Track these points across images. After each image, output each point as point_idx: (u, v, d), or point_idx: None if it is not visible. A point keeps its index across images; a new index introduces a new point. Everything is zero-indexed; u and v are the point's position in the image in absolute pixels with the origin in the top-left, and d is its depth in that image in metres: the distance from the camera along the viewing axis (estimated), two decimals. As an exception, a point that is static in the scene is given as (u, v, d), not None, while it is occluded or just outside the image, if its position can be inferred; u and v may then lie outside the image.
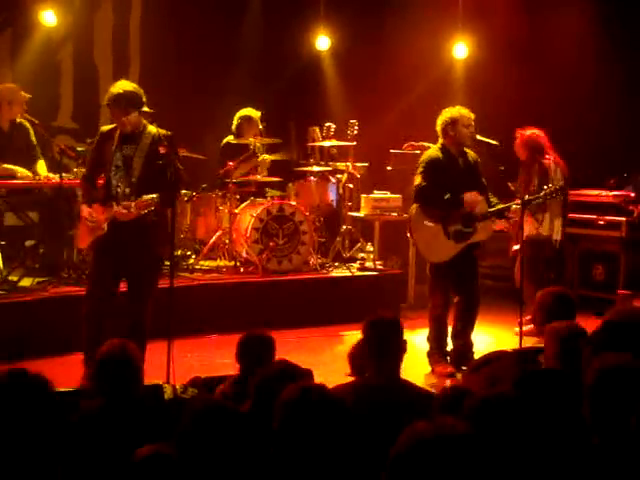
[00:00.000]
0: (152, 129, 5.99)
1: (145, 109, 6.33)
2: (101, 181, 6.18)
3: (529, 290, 7.78)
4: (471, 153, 6.83)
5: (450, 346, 6.84)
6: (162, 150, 6.35)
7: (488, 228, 6.82)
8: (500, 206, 6.78)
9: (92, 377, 3.85)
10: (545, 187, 6.92)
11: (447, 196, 6.52)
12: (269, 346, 4.35)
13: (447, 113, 6.70)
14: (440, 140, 6.75)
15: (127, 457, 2.80)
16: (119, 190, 5.92)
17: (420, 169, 6.64)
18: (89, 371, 5.82)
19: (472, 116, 6.71)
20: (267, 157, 9.12)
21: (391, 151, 10.18)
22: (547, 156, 7.90)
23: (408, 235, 6.98)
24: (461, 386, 3.97)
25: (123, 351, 3.77)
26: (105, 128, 6.13)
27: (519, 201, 6.68)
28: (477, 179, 6.80)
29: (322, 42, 10.24)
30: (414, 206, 6.79)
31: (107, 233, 5.92)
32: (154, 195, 5.80)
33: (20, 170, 7.47)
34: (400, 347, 4.00)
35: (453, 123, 6.65)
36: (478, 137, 6.82)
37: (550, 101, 9.78)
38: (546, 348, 4.15)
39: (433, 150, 6.78)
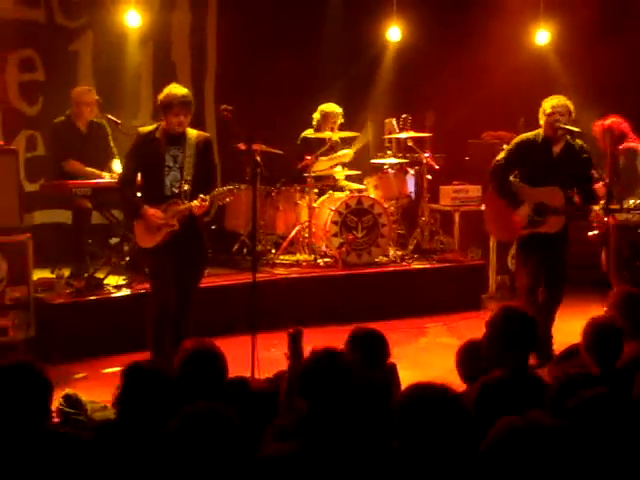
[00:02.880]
0: (193, 132, 6.14)
1: (224, 106, 6.46)
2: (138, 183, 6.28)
3: (617, 279, 7.64)
4: (577, 144, 6.72)
5: None
6: (242, 146, 6.46)
7: (559, 223, 6.72)
8: (577, 206, 6.72)
9: (177, 372, 3.91)
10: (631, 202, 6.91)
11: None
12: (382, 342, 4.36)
13: (544, 100, 6.72)
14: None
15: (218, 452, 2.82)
16: (174, 190, 6.03)
17: (509, 146, 6.77)
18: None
19: (562, 103, 6.62)
20: (349, 151, 9.13)
21: (469, 141, 10.10)
22: (631, 141, 7.74)
23: (483, 207, 6.96)
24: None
25: (209, 346, 3.84)
26: (144, 130, 6.20)
27: (598, 207, 6.65)
28: (572, 172, 6.69)
29: (394, 33, 10.17)
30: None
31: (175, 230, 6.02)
32: (231, 186, 6.10)
33: (105, 175, 7.63)
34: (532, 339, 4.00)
35: (542, 112, 6.67)
36: (560, 125, 6.71)
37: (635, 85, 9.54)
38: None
39: (531, 133, 6.81)
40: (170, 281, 6.08)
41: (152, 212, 6.02)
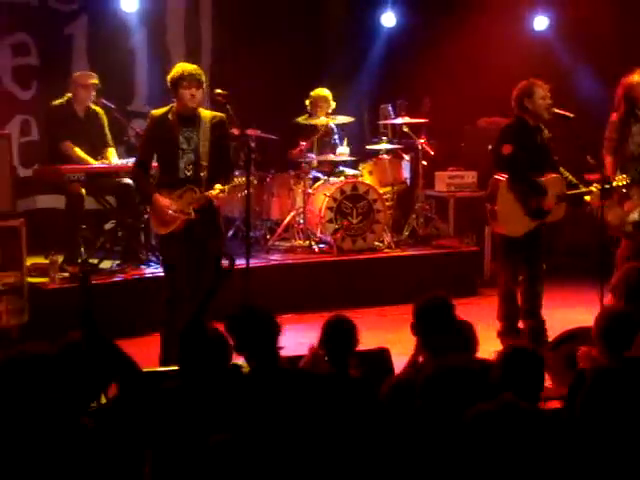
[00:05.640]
0: (206, 113, 6.02)
1: (218, 91, 6.39)
2: (154, 165, 6.23)
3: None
4: (545, 130, 6.71)
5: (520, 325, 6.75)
6: (236, 131, 6.41)
7: (562, 209, 6.69)
8: (579, 190, 6.67)
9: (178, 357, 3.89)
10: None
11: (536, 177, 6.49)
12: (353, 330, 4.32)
13: (523, 85, 6.58)
14: (515, 113, 6.63)
15: (207, 433, 2.83)
16: (188, 173, 5.91)
17: (505, 138, 6.51)
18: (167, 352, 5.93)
19: (547, 87, 6.58)
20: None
21: (465, 127, 10.07)
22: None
23: (487, 205, 6.77)
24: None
25: (214, 331, 3.83)
26: (157, 112, 6.05)
27: (598, 185, 6.51)
28: (551, 156, 6.70)
29: (388, 19, 10.12)
30: (499, 176, 6.62)
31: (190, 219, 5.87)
32: (243, 178, 5.95)
33: (92, 161, 7.59)
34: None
35: (530, 95, 6.53)
36: (554, 110, 6.68)
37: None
38: None
39: (511, 122, 6.67)
40: (183, 268, 5.99)
41: (164, 203, 5.86)
